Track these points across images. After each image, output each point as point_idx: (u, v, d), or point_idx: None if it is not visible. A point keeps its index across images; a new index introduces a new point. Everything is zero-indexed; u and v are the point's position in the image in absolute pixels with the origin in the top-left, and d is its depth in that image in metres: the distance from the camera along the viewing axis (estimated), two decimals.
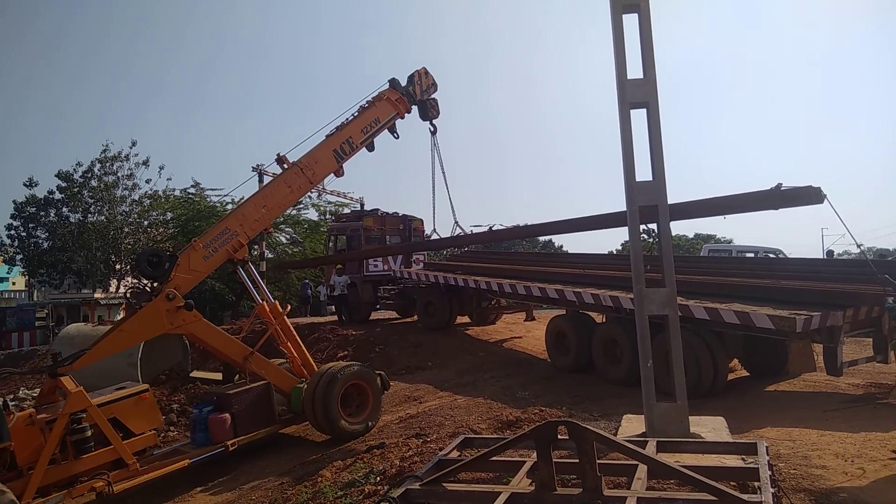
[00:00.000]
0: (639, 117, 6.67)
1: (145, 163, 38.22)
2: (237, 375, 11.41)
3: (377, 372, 11.03)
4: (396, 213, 22.85)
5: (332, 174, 11.71)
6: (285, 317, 11.06)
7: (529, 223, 15.25)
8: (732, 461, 4.75)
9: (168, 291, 9.41)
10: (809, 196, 8.26)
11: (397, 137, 12.80)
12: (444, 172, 14.78)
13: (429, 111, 13.47)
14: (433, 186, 15.02)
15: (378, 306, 21.66)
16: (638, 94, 6.56)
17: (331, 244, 23.94)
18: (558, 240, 65.20)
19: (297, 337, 11.13)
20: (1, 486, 7.16)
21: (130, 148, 38.15)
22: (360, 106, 12.19)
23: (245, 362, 10.32)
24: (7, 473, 7.59)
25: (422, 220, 22.65)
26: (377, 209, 23.31)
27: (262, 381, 10.50)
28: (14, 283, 66.36)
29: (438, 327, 17.81)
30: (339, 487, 6.80)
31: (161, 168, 39.46)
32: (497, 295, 15.99)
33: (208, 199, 38.28)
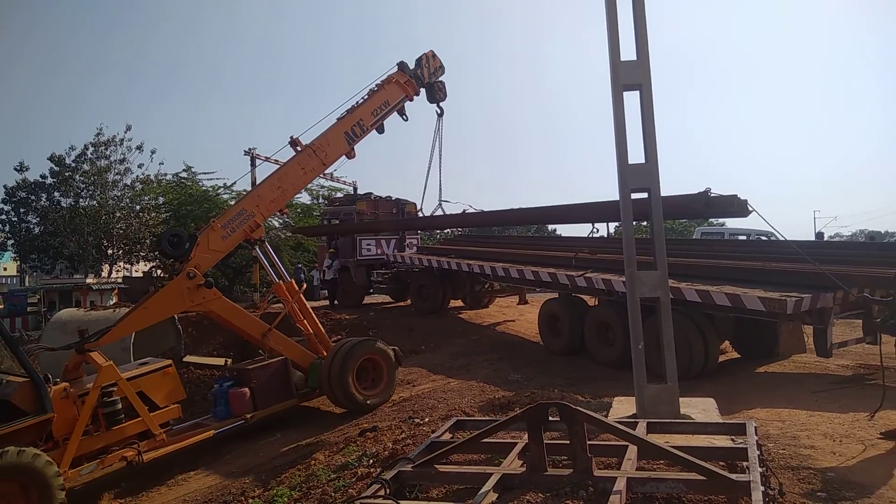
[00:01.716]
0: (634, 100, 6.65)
1: (139, 147, 37.93)
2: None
3: (391, 347, 11.33)
4: (389, 196, 22.79)
5: (344, 156, 11.92)
6: (301, 295, 11.33)
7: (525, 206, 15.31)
8: (722, 441, 4.78)
9: (188, 270, 9.82)
10: (734, 207, 8.32)
11: (406, 119, 12.94)
12: (440, 156, 14.95)
13: (436, 93, 13.55)
14: (429, 167, 15.16)
15: (371, 290, 21.68)
16: (631, 75, 6.53)
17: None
18: (551, 224, 65.08)
19: (314, 314, 11.43)
20: (41, 452, 7.56)
21: (125, 132, 37.82)
22: (370, 89, 12.32)
23: (263, 339, 10.65)
24: (44, 444, 7.98)
25: (415, 204, 22.57)
26: (370, 193, 23.24)
27: (279, 356, 10.82)
28: (5, 269, 65.92)
29: (432, 311, 17.84)
30: (332, 470, 6.84)
31: (153, 152, 39.05)
32: (490, 278, 16.01)
33: (200, 184, 38.07)
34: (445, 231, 30.09)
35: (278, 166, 12.32)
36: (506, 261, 14.96)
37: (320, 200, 38.88)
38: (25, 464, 7.32)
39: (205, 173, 38.60)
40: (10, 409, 7.79)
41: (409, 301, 19.67)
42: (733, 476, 3.83)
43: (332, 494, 5.57)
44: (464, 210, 15.44)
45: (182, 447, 9.45)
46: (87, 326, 10.23)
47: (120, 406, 8.81)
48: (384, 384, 10.98)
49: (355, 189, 32.95)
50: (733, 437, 4.86)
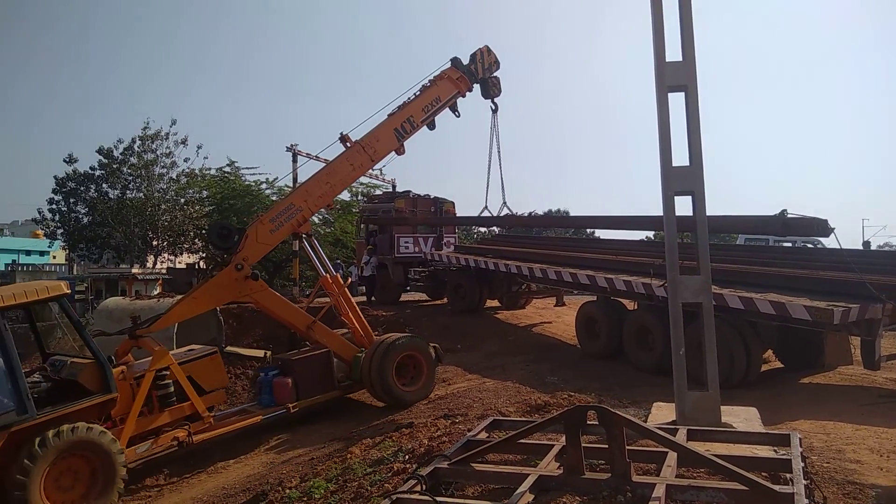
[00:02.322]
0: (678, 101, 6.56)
1: (184, 141, 38.73)
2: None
3: (432, 345, 11.47)
4: (428, 195, 22.83)
5: (394, 152, 12.04)
6: (346, 289, 11.56)
7: (568, 208, 15.13)
8: (764, 452, 4.70)
9: (237, 262, 10.14)
10: (814, 228, 8.15)
11: (458, 116, 12.96)
12: (499, 152, 14.73)
13: (490, 89, 13.49)
14: (489, 165, 14.97)
15: (408, 288, 21.76)
16: (676, 76, 6.44)
17: (362, 225, 24.05)
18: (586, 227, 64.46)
19: (358, 308, 11.64)
20: (105, 430, 8.10)
21: (171, 126, 38.68)
22: (423, 85, 12.41)
23: (308, 331, 10.94)
24: (103, 423, 8.36)
25: (453, 203, 22.62)
26: (409, 191, 23.31)
27: (323, 349, 11.08)
28: (55, 257, 67.96)
29: (468, 310, 17.84)
30: (367, 464, 6.90)
31: (199, 147, 39.89)
32: (527, 279, 15.93)
33: (243, 178, 38.71)
34: (482, 230, 30.06)
35: (322, 162, 12.47)
36: (544, 262, 14.88)
37: (359, 198, 39.18)
38: (92, 440, 7.84)
39: (248, 168, 39.22)
40: (76, 388, 8.28)
41: (445, 299, 19.70)
42: (776, 487, 3.77)
43: (368, 488, 5.62)
44: (530, 213, 15.24)
45: (230, 431, 9.89)
46: (91, 324, 10.50)
47: (172, 389, 9.26)
48: (423, 381, 11.10)
49: (394, 187, 33.11)
50: (776, 447, 4.78)
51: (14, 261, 62.66)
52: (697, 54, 6.43)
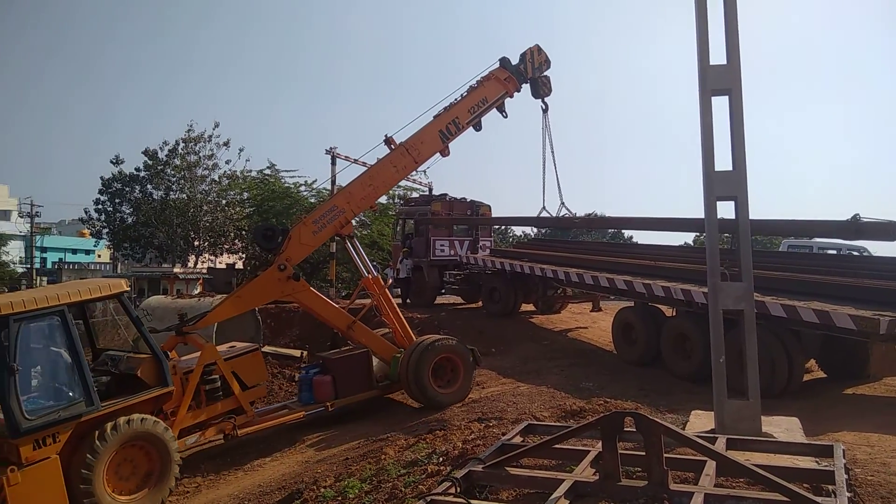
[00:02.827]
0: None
1: (226, 144, 39.54)
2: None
3: (469, 348, 11.44)
4: (464, 198, 22.85)
5: (438, 154, 12.03)
6: (387, 290, 11.68)
7: (605, 211, 14.75)
8: (806, 463, 4.60)
9: (280, 262, 10.39)
10: (889, 233, 7.95)
11: (506, 116, 12.84)
12: (553, 152, 14.32)
13: (540, 89, 13.31)
14: (544, 165, 14.48)
15: (443, 291, 21.80)
16: (720, 80, 6.35)
17: (398, 228, 24.18)
18: (628, 230, 64.06)
19: (398, 309, 11.74)
20: (160, 420, 8.55)
21: (214, 129, 39.49)
22: (470, 86, 12.36)
23: (348, 330, 11.09)
24: (156, 416, 8.72)
25: (489, 207, 22.60)
26: (445, 194, 23.35)
27: (363, 348, 11.25)
28: (100, 256, 69.91)
29: (503, 314, 17.79)
30: (402, 465, 6.93)
31: (241, 149, 40.70)
32: (563, 284, 15.82)
33: (283, 181, 39.29)
34: (518, 233, 29.88)
35: (360, 165, 12.59)
36: (580, 266, 14.76)
37: (396, 200, 39.42)
38: (149, 431, 8.28)
39: (287, 171, 39.88)
40: (132, 382, 8.67)
41: (480, 303, 19.69)
42: (819, 499, 3.68)
43: (402, 489, 5.64)
44: (591, 214, 14.79)
45: (272, 426, 10.28)
46: (174, 313, 10.94)
47: (219, 384, 9.64)
48: (460, 383, 11.10)
49: (430, 190, 33.22)
50: (818, 459, 4.67)
51: (61, 259, 64.68)
52: (741, 56, 6.33)
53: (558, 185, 14.67)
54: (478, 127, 12.45)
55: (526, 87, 13.21)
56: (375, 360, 11.46)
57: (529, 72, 12.91)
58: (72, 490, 7.56)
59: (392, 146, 11.67)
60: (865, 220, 8.30)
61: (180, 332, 9.91)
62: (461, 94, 12.25)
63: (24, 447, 7.24)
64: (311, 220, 10.98)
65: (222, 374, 9.73)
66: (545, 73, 13.30)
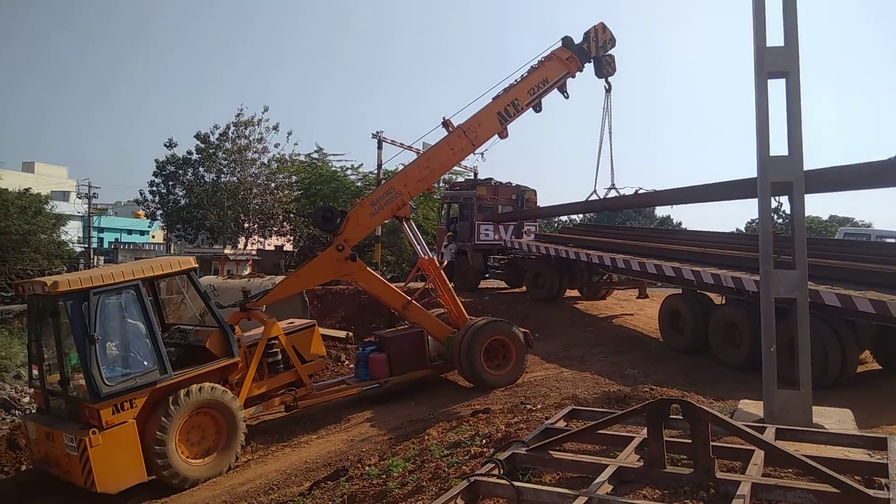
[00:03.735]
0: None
1: (275, 127, 40.15)
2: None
3: (522, 330, 11.54)
4: (510, 182, 22.72)
5: (497, 135, 11.99)
6: (441, 271, 11.87)
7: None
8: (858, 455, 4.49)
9: (338, 243, 10.76)
10: None
11: (567, 97, 12.67)
12: (611, 134, 14.12)
13: (604, 68, 13.03)
14: (600, 146, 14.27)
15: (487, 275, 21.79)
16: (777, 62, 6.16)
17: (443, 212, 24.22)
18: (677, 217, 62.97)
19: (452, 290, 11.93)
20: (228, 390, 9.11)
21: (263, 112, 40.13)
22: (530, 66, 12.23)
23: (403, 310, 11.35)
24: (223, 386, 9.23)
25: (535, 191, 22.44)
26: (490, 178, 23.26)
27: (418, 328, 11.57)
28: (154, 237, 71.98)
29: (547, 299, 17.71)
30: (445, 446, 7.00)
31: (289, 133, 41.41)
32: (609, 270, 15.63)
33: (330, 165, 39.73)
34: (563, 218, 29.51)
35: (406, 150, 12.77)
36: (627, 252, 14.56)
37: (441, 184, 39.48)
38: (217, 399, 8.86)
39: (334, 155, 40.31)
40: (200, 353, 9.25)
41: (524, 288, 19.63)
42: (871, 492, 3.59)
43: (446, 469, 5.71)
44: (636, 191, 14.25)
45: (330, 399, 10.86)
46: (225, 293, 11.37)
47: (280, 357, 10.13)
48: (513, 365, 11.21)
49: (476, 174, 33.13)
50: (871, 451, 4.55)
51: (117, 239, 66.78)
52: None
53: (612, 166, 14.41)
54: (538, 108, 12.28)
55: (589, 67, 12.88)
56: (430, 340, 11.66)
57: (593, 51, 12.63)
58: (147, 452, 8.18)
59: (449, 129, 11.71)
60: None
61: (244, 308, 10.39)
62: (521, 76, 12.08)
63: (104, 411, 7.85)
64: (368, 203, 11.28)
65: (283, 348, 10.20)
66: (609, 53, 12.95)
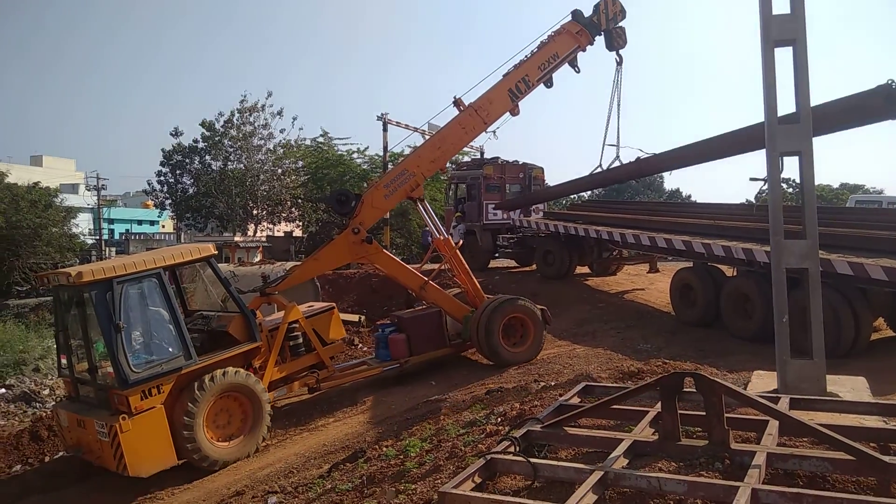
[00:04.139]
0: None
1: (279, 113, 40.00)
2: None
3: (540, 307, 11.59)
4: (516, 161, 22.62)
5: (508, 113, 11.94)
6: (457, 251, 11.86)
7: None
8: (873, 422, 4.50)
9: (354, 226, 10.80)
10: None
11: (578, 72, 12.51)
12: (619, 108, 13.85)
13: (615, 40, 12.83)
14: (608, 120, 14.03)
15: (497, 254, 21.79)
16: (784, 30, 6.09)
17: (451, 192, 24.17)
18: (686, 189, 62.67)
19: (468, 269, 11.95)
20: (251, 374, 9.30)
21: (267, 98, 39.99)
22: (540, 41, 12.12)
23: (421, 290, 11.47)
24: (246, 370, 9.43)
25: (542, 169, 22.34)
26: (497, 157, 23.16)
27: (436, 308, 11.69)
28: (163, 226, 72.30)
29: (557, 277, 17.71)
30: (460, 426, 7.06)
31: (294, 118, 41.33)
32: (619, 245, 15.60)
33: (336, 148, 39.66)
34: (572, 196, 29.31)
35: (412, 132, 12.75)
36: (636, 227, 14.52)
37: (448, 164, 39.33)
38: (242, 383, 9.05)
39: (340, 139, 40.22)
40: (223, 339, 9.41)
41: (534, 266, 19.63)
42: (886, 458, 3.61)
43: (462, 448, 5.77)
44: (637, 157, 13.97)
45: (352, 380, 11.02)
46: (244, 279, 11.55)
47: (301, 340, 10.27)
48: (531, 342, 11.30)
49: (482, 153, 33.02)
50: (886, 418, 4.56)
51: (127, 230, 67.13)
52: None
53: (618, 140, 14.15)
54: (549, 83, 12.18)
55: (599, 41, 12.69)
56: (449, 319, 11.76)
57: (603, 23, 12.43)
58: (176, 436, 8.38)
59: (461, 108, 11.66)
60: None
61: (264, 293, 10.56)
62: (531, 51, 11.97)
63: (132, 397, 8.04)
64: (382, 185, 11.31)
65: (304, 332, 10.35)
66: (620, 24, 12.76)
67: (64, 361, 9.21)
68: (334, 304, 11.45)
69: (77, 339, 8.91)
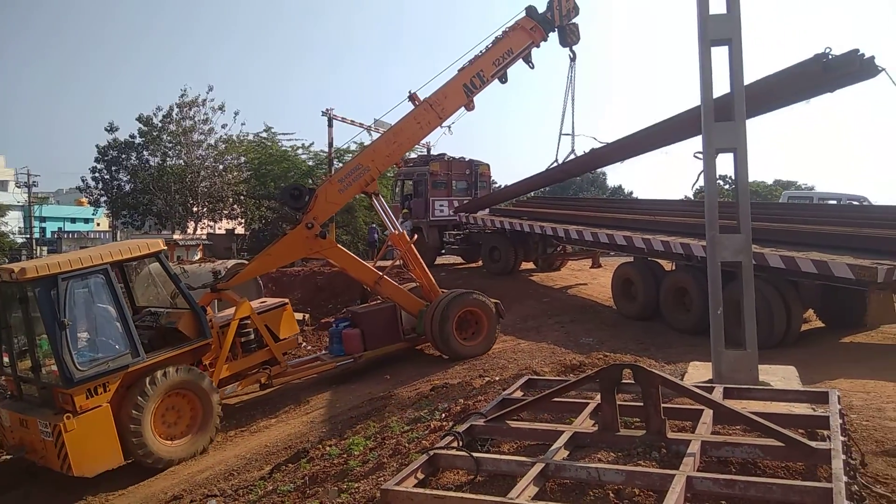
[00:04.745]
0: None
1: (221, 108, 38.93)
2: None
3: (493, 301, 11.68)
4: (463, 157, 22.71)
5: (463, 108, 11.94)
6: (412, 246, 11.86)
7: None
8: (802, 409, 4.66)
9: (307, 221, 10.69)
10: (856, 66, 7.09)
11: (532, 67, 12.58)
12: (573, 103, 14.02)
13: (568, 37, 12.90)
14: (563, 116, 14.26)
15: (443, 251, 21.83)
16: (720, 30, 6.24)
17: (397, 189, 24.09)
18: (628, 186, 64.06)
19: (424, 264, 11.98)
20: (201, 371, 9.20)
21: (208, 93, 38.91)
22: (495, 37, 12.15)
23: (375, 285, 11.42)
24: (196, 367, 9.30)
25: (488, 165, 22.50)
26: (444, 154, 23.21)
27: (390, 303, 11.68)
28: (98, 224, 69.71)
29: (503, 273, 17.87)
30: (405, 422, 7.03)
31: (236, 113, 40.18)
32: (563, 241, 15.85)
33: (280, 144, 38.97)
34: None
35: (357, 127, 12.68)
36: (579, 223, 14.75)
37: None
38: (191, 380, 8.93)
39: (284, 134, 39.56)
40: (172, 336, 9.34)
41: (480, 262, 19.74)
42: (813, 444, 3.74)
43: (406, 445, 5.74)
44: (592, 148, 14.02)
45: (305, 376, 11.00)
46: (186, 277, 11.31)
47: (253, 336, 10.19)
48: (484, 336, 11.40)
49: (429, 150, 33.01)
50: (814, 405, 4.74)
51: (60, 228, 64.51)
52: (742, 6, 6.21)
53: (573, 135, 14.34)
54: (503, 79, 12.27)
55: (553, 37, 12.76)
56: (403, 314, 11.75)
57: (557, 20, 12.52)
58: (122, 435, 8.22)
59: (416, 102, 11.67)
60: (832, 55, 7.34)
61: (215, 290, 10.41)
62: (486, 46, 12.02)
63: (77, 396, 7.86)
64: (336, 179, 11.36)
65: (256, 328, 10.26)
66: (573, 21, 12.85)
67: (6, 360, 8.95)
68: (287, 300, 11.36)
69: (20, 336, 8.69)
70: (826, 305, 10.28)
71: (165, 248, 9.72)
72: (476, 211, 20.39)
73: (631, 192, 63.05)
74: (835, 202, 20.66)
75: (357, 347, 11.22)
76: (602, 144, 13.43)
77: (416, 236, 12.84)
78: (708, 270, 6.30)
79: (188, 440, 8.86)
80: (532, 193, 24.64)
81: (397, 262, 12.49)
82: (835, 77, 7.62)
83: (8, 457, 9.10)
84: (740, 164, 6.28)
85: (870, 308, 9.72)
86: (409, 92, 11.69)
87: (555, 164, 14.89)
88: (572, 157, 14.50)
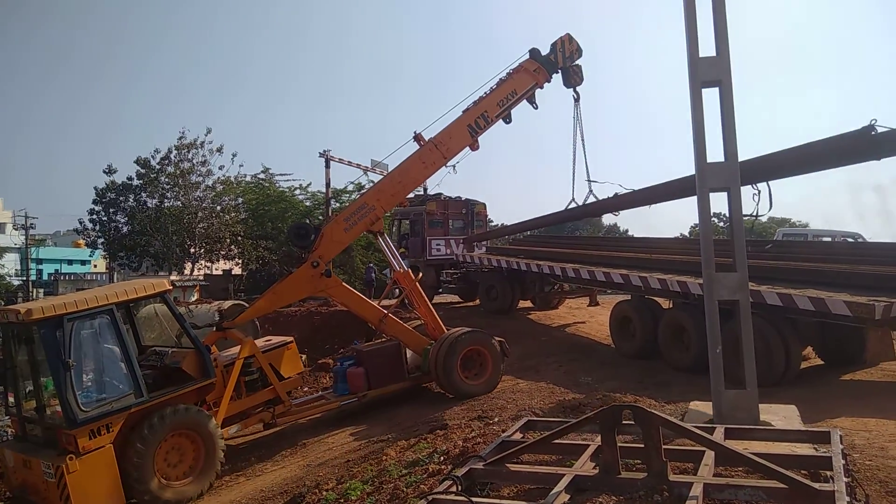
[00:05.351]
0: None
1: (219, 150, 39.17)
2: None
3: (497, 339, 11.60)
4: (459, 197, 22.88)
5: (468, 148, 12.07)
6: (417, 283, 11.87)
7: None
8: (804, 450, 4.61)
9: (313, 259, 10.74)
10: None
11: (536, 108, 12.77)
12: (583, 142, 13.92)
13: (571, 78, 13.11)
14: (574, 155, 14.08)
15: (440, 290, 21.82)
16: (710, 72, 6.37)
17: (394, 228, 24.19)
18: (623, 224, 64.36)
19: (429, 301, 11.97)
20: (204, 410, 9.15)
21: (206, 135, 39.25)
22: (499, 79, 12.36)
23: (380, 324, 11.39)
24: (200, 407, 9.26)
25: (484, 205, 22.66)
26: (440, 193, 23.38)
27: (394, 341, 11.61)
28: (95, 266, 69.52)
29: (500, 311, 17.82)
30: (403, 466, 6.94)
31: (234, 155, 40.35)
32: (560, 279, 15.83)
33: (277, 185, 39.18)
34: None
35: (354, 168, 12.82)
36: (576, 261, 14.78)
37: None
38: (195, 419, 8.88)
39: (281, 175, 39.80)
40: (176, 375, 9.24)
41: (477, 301, 19.70)
42: (816, 485, 3.70)
43: (404, 489, 5.66)
44: (615, 193, 13.98)
45: (310, 415, 10.92)
46: (191, 316, 11.30)
47: (257, 375, 10.15)
48: (489, 374, 11.28)
49: (425, 189, 33.24)
50: (816, 445, 4.69)
51: (57, 270, 64.36)
52: (731, 49, 6.34)
53: (588, 173, 14.15)
54: (507, 119, 12.44)
55: (557, 78, 12.96)
56: (408, 352, 11.69)
57: (560, 61, 12.75)
58: (125, 476, 8.15)
59: (421, 142, 11.79)
60: (882, 128, 7.20)
61: (221, 328, 10.44)
62: (490, 88, 12.22)
63: (80, 437, 7.82)
64: (342, 218, 11.36)
65: (260, 367, 10.21)
66: (577, 62, 13.06)
67: (11, 400, 9.00)
68: (292, 339, 11.30)
69: (26, 376, 8.73)
70: (825, 342, 10.24)
71: (171, 287, 9.81)
72: (484, 240, 20.51)
73: (626, 231, 63.26)
74: (829, 239, 20.75)
75: (361, 386, 11.13)
76: (627, 190, 13.30)
77: (420, 274, 12.84)
78: (706, 309, 6.30)
79: (191, 481, 8.78)
80: (529, 232, 24.79)
81: (397, 301, 12.39)
82: (882, 152, 7.59)
83: (10, 496, 9.01)
84: (734, 202, 6.35)
85: (869, 345, 9.70)
86: (415, 132, 11.85)
87: (573, 204, 14.80)
88: (592, 198, 14.45)
